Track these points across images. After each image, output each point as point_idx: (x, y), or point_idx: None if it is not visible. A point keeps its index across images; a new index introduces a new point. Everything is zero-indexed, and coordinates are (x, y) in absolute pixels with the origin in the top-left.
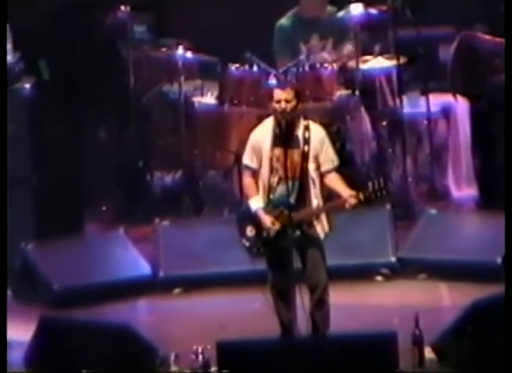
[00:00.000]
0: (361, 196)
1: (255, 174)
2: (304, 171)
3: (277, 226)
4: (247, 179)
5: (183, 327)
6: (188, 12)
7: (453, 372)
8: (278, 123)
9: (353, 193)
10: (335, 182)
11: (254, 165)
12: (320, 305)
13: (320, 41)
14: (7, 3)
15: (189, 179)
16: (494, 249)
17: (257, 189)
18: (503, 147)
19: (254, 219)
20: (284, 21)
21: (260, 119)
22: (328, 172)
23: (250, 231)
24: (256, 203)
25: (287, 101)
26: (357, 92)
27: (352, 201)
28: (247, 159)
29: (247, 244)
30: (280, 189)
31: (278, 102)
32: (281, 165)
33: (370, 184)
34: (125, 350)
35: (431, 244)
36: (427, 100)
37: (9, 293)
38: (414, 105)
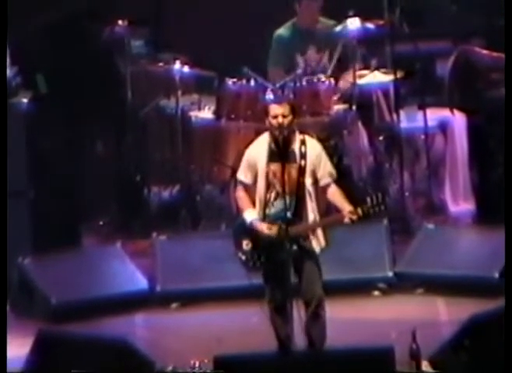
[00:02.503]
0: (359, 211)
1: (248, 188)
2: (301, 185)
3: (274, 230)
4: (240, 193)
5: (180, 341)
6: (186, 26)
7: None
8: (274, 139)
9: (351, 208)
10: (335, 196)
11: (247, 180)
12: (315, 319)
13: (317, 53)
14: (7, 18)
15: (186, 194)
16: (491, 263)
17: (251, 202)
18: (500, 161)
19: (250, 232)
20: (282, 31)
21: (257, 133)
22: (328, 185)
23: (246, 244)
24: (251, 214)
25: (284, 116)
26: (354, 107)
27: (351, 217)
28: (242, 175)
29: (243, 258)
30: (277, 205)
31: (275, 117)
32: (278, 180)
33: (369, 199)
34: (123, 365)
35: (428, 259)
36: (424, 115)
37: (7, 307)
38: (411, 119)
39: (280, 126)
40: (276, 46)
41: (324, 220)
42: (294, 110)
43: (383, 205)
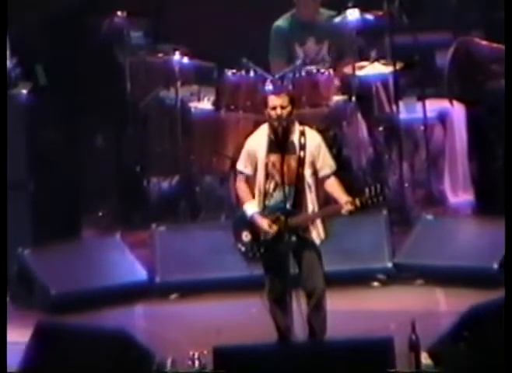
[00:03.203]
0: (357, 202)
1: (249, 180)
2: (300, 177)
3: (274, 229)
4: (241, 184)
5: (179, 332)
6: (185, 17)
7: None
8: (273, 130)
9: (350, 199)
10: (334, 187)
11: (247, 171)
12: (317, 310)
13: (317, 44)
14: (7, 10)
15: (186, 185)
16: (491, 254)
17: (252, 194)
18: (500, 152)
19: (249, 224)
20: (281, 22)
21: (256, 124)
22: (327, 177)
23: (245, 236)
24: (251, 207)
25: (282, 107)
26: (354, 98)
27: (349, 207)
28: (241, 165)
29: (243, 249)
30: (276, 195)
31: (274, 108)
32: (277, 171)
33: (367, 190)
34: (122, 356)
35: (427, 249)
36: (424, 106)
37: (7, 298)
38: (410, 110)
39: (279, 117)
40: (275, 37)
41: (323, 211)
42: (293, 101)
43: (382, 196)
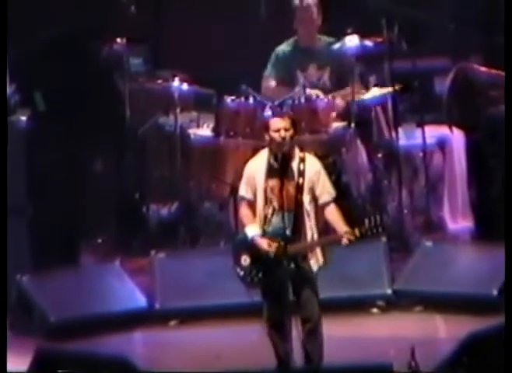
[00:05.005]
0: (357, 232)
1: (251, 205)
2: (299, 203)
3: (274, 248)
4: (244, 210)
5: (179, 359)
6: (184, 44)
7: None
8: (273, 154)
9: (349, 229)
10: (333, 216)
11: (249, 196)
12: (313, 336)
13: (318, 70)
14: (7, 36)
15: (185, 211)
16: (490, 281)
17: (254, 219)
18: (499, 179)
19: (249, 247)
20: (283, 47)
21: (256, 151)
22: (327, 204)
23: (244, 260)
24: (252, 230)
25: (286, 129)
26: (353, 124)
27: (348, 238)
28: (243, 191)
29: (241, 273)
30: (275, 221)
31: (277, 130)
32: (275, 196)
33: (367, 220)
34: None
35: (427, 276)
36: (423, 132)
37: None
38: (410, 137)
39: (283, 139)
40: (276, 59)
41: (322, 239)
42: (295, 124)
43: (381, 227)
